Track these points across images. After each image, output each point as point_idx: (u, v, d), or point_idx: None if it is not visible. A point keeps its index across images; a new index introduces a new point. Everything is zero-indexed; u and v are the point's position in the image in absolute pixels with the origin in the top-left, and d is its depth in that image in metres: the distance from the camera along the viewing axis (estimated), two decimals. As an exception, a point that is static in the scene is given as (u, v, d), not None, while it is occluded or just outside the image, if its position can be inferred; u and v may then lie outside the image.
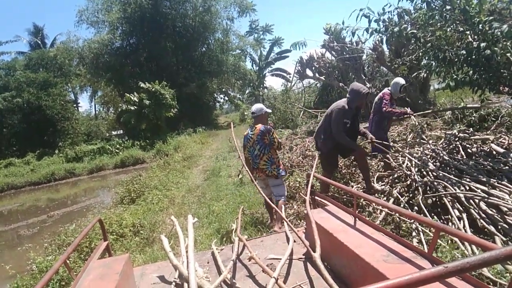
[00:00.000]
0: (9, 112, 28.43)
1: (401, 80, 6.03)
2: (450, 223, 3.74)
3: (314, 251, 2.07)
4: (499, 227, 3.44)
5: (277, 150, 5.02)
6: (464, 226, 3.61)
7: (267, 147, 4.81)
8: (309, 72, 17.40)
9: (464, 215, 3.77)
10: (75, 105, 40.22)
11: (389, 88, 6.11)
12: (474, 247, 3.16)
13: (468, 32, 4.97)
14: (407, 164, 5.31)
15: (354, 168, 6.34)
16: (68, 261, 2.06)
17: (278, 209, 3.43)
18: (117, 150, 23.08)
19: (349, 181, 6.05)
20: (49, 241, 6.39)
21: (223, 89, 41.07)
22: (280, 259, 2.31)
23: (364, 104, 5.14)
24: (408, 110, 6.23)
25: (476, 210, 3.74)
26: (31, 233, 9.91)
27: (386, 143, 5.55)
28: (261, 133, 4.81)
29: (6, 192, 18.90)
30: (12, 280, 5.10)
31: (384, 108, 5.88)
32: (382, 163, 6.17)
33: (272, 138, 4.82)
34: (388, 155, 5.77)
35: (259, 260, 2.27)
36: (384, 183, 5.33)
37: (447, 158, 5.00)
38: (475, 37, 4.91)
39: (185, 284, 2.21)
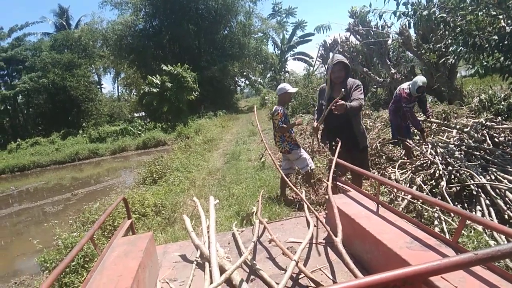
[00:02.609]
0: (35, 92, 29.23)
1: (419, 81, 5.90)
2: (474, 213, 3.67)
3: (336, 236, 2.07)
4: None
5: (281, 131, 5.18)
6: (490, 216, 3.54)
7: (277, 127, 5.16)
8: (332, 57, 17.11)
9: (487, 205, 3.69)
10: (98, 87, 40.84)
11: (410, 84, 6.03)
12: (498, 237, 3.10)
13: (501, 16, 4.78)
14: (430, 151, 5.22)
15: (376, 158, 6.33)
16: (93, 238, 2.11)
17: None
18: (139, 132, 23.44)
19: (371, 168, 5.99)
20: (74, 218, 6.55)
21: (244, 73, 40.89)
22: (301, 242, 2.32)
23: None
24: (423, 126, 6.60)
25: (502, 200, 3.66)
26: (56, 210, 10.22)
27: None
28: (271, 114, 5.29)
29: (32, 170, 19.53)
30: (39, 254, 5.28)
31: (409, 114, 6.12)
32: (403, 151, 6.13)
33: (276, 119, 5.12)
34: (408, 142, 5.77)
35: (280, 243, 2.28)
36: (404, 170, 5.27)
37: (473, 146, 4.89)
38: (509, 21, 4.72)
39: (207, 264, 2.24)
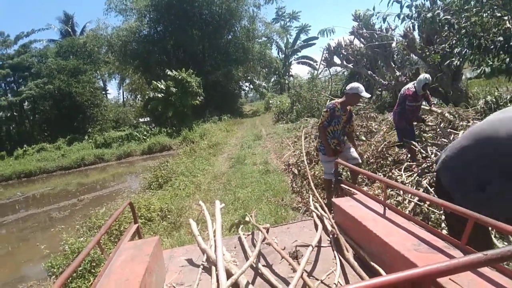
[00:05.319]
0: (41, 98, 29.48)
1: (423, 78, 5.86)
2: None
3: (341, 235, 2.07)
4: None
5: (319, 129, 5.00)
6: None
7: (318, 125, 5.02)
8: (336, 60, 17.13)
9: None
10: (103, 92, 41.03)
11: (415, 83, 5.99)
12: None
13: (506, 18, 4.77)
14: (435, 153, 5.20)
15: (382, 160, 6.32)
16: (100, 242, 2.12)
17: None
18: (144, 137, 23.52)
19: (376, 171, 5.98)
20: (80, 224, 6.60)
21: (249, 77, 40.90)
22: (308, 245, 2.31)
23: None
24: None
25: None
26: (62, 216, 10.25)
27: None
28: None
29: (38, 176, 19.62)
30: (46, 260, 5.31)
31: (410, 113, 6.00)
32: (409, 154, 6.11)
33: (322, 115, 4.88)
34: (413, 145, 5.73)
35: (278, 248, 2.29)
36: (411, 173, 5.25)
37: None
38: (514, 22, 4.71)
39: (213, 268, 2.24)
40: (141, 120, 34.40)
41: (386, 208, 2.30)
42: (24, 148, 24.50)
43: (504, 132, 1.99)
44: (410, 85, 6.06)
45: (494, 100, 7.79)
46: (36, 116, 32.66)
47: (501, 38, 4.68)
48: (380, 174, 5.75)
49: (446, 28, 5.99)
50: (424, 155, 5.62)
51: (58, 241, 5.99)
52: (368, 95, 4.91)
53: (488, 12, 4.94)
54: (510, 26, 4.66)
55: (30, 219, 10.96)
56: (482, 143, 2.11)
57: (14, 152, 24.50)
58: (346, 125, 4.88)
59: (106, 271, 2.01)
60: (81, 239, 5.30)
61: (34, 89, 28.92)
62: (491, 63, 4.84)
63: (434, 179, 2.61)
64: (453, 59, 6.23)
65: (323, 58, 18.00)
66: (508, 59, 4.76)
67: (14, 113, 32.05)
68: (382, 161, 6.27)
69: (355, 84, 4.66)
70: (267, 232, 2.73)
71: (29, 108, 33.03)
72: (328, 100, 16.56)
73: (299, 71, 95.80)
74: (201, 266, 2.42)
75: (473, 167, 2.12)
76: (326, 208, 2.95)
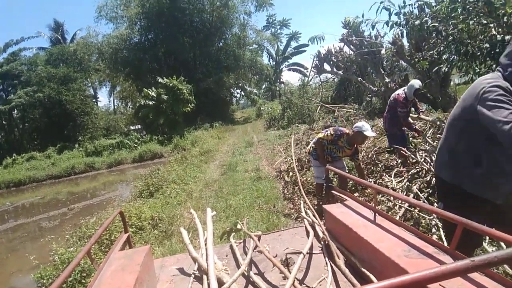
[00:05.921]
0: (31, 106, 29.26)
1: (415, 83, 5.91)
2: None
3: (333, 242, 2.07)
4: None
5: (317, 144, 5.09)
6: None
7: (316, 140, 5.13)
8: (327, 67, 17.26)
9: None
10: (94, 100, 40.88)
11: (405, 89, 6.04)
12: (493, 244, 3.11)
13: (492, 25, 4.84)
14: (425, 158, 5.24)
15: (372, 166, 6.35)
16: (90, 252, 2.10)
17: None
18: (135, 145, 23.42)
19: (367, 177, 6.00)
20: (70, 233, 6.52)
21: (240, 84, 40.90)
22: (299, 252, 2.31)
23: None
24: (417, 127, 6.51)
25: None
26: (52, 225, 10.13)
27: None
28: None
29: (28, 185, 19.39)
30: (35, 270, 5.24)
31: (402, 119, 6.00)
32: (399, 159, 6.13)
33: (322, 134, 5.04)
34: (404, 150, 5.75)
35: (270, 255, 2.29)
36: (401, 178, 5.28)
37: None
38: (500, 29, 4.78)
39: (204, 277, 2.23)
40: (132, 127, 34.25)
41: (377, 214, 2.31)
42: (13, 157, 24.17)
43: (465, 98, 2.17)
44: (400, 91, 6.10)
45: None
46: (25, 125, 32.38)
47: (487, 45, 4.75)
48: (370, 180, 5.77)
49: (434, 35, 6.07)
50: (414, 160, 5.66)
51: (47, 251, 5.92)
52: (374, 134, 5.04)
53: (475, 19, 5.00)
54: (496, 33, 4.74)
55: (19, 229, 10.81)
56: (456, 121, 2.23)
57: (3, 161, 24.11)
58: (348, 157, 5.07)
59: (96, 281, 1.99)
60: (71, 249, 5.24)
61: (23, 97, 28.70)
62: (478, 69, 4.90)
63: (435, 182, 2.63)
64: (441, 65, 6.29)
65: (313, 65, 18.14)
66: (494, 66, 4.82)
67: (3, 122, 31.76)
68: (372, 167, 6.31)
69: (359, 123, 4.72)
70: (259, 239, 2.73)
71: (19, 117, 32.76)
72: (319, 107, 16.70)
73: (290, 78, 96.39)
74: (193, 275, 2.40)
75: (460, 146, 2.19)
76: (317, 215, 2.96)
